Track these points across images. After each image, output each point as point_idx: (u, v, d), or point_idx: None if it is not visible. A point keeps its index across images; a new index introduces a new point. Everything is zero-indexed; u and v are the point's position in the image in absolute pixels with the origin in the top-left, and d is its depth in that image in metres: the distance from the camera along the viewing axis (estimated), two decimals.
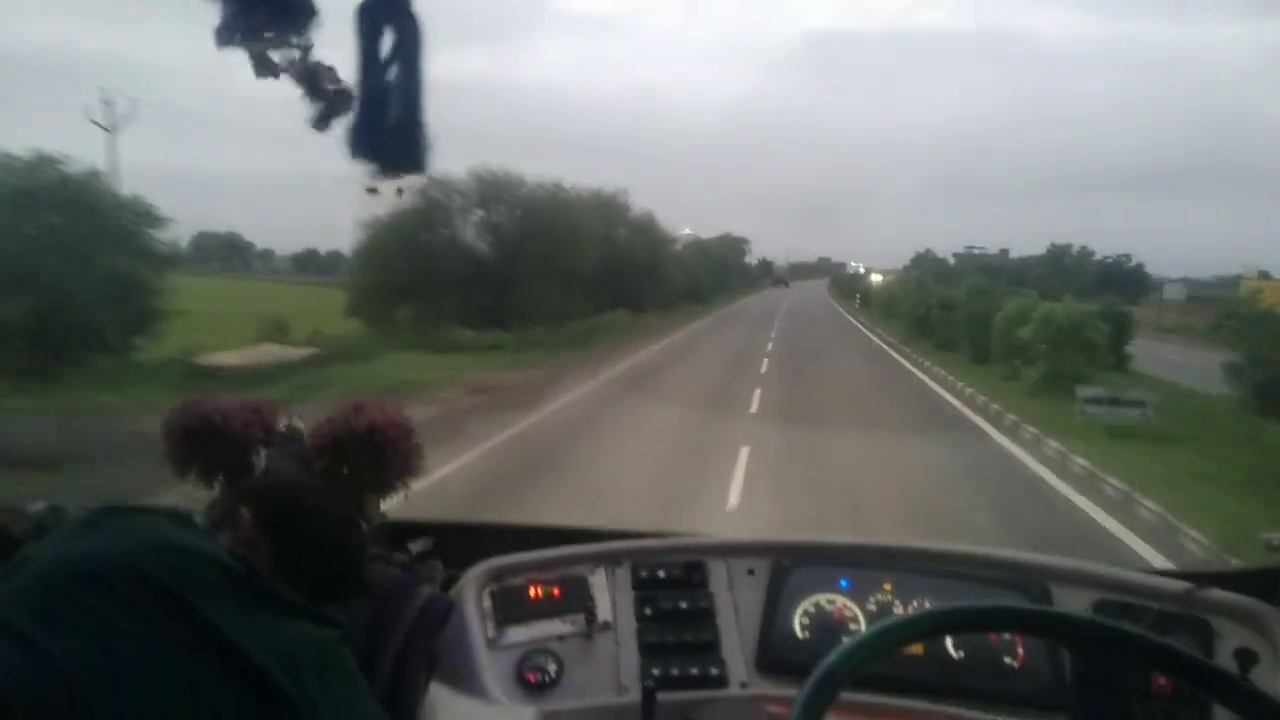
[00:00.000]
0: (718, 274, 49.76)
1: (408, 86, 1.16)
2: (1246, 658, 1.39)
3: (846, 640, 1.00)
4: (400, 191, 1.25)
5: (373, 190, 1.23)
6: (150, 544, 1.01)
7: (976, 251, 76.27)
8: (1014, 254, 73.11)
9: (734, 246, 69.00)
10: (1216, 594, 1.63)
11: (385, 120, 1.16)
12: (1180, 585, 1.65)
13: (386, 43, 1.15)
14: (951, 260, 74.53)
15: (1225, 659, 1.50)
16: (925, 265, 74.41)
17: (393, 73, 1.15)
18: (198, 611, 0.96)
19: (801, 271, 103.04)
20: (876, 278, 70.57)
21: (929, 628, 1.13)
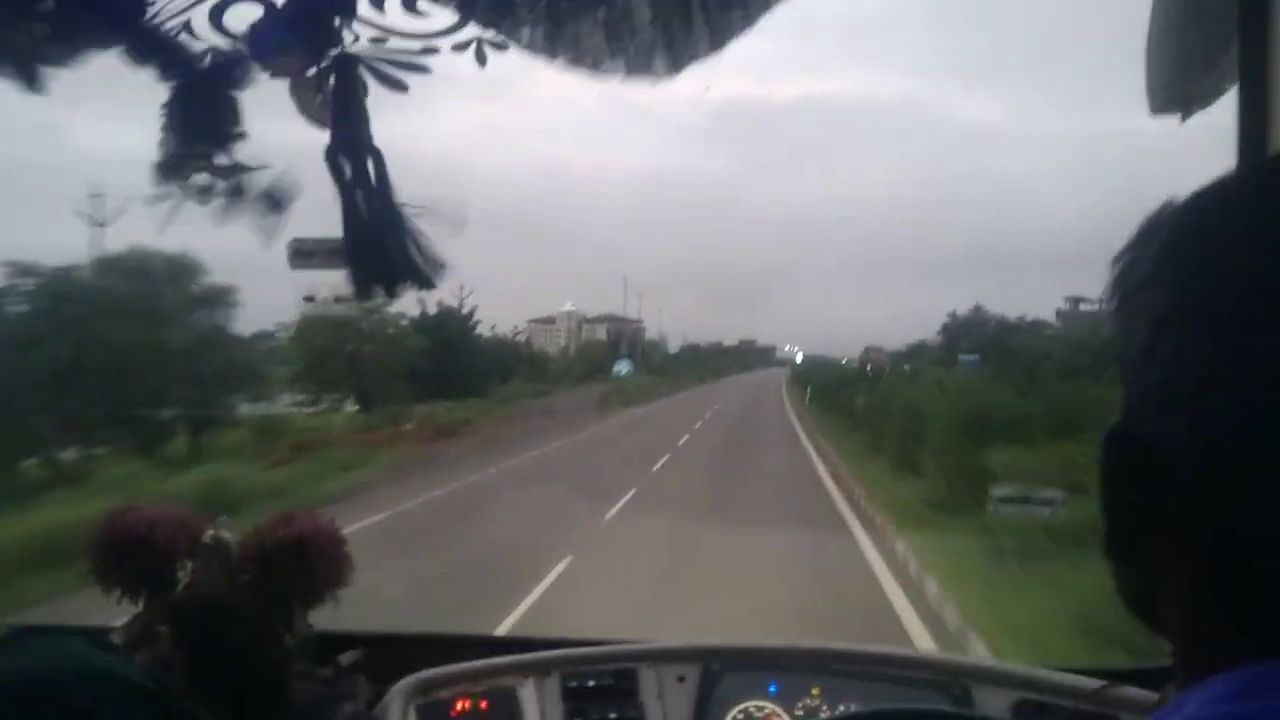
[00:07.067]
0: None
1: (385, 207, 1.19)
2: None
3: None
4: (338, 299, 1.30)
5: (310, 299, 1.28)
6: (65, 667, 0.98)
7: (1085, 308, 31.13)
8: None
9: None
10: (1129, 691, 1.68)
11: (383, 247, 1.19)
12: (1094, 683, 1.70)
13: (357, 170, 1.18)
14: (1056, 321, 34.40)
15: None
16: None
17: (372, 199, 1.18)
18: None
19: (712, 356, 72.93)
20: None
21: None
